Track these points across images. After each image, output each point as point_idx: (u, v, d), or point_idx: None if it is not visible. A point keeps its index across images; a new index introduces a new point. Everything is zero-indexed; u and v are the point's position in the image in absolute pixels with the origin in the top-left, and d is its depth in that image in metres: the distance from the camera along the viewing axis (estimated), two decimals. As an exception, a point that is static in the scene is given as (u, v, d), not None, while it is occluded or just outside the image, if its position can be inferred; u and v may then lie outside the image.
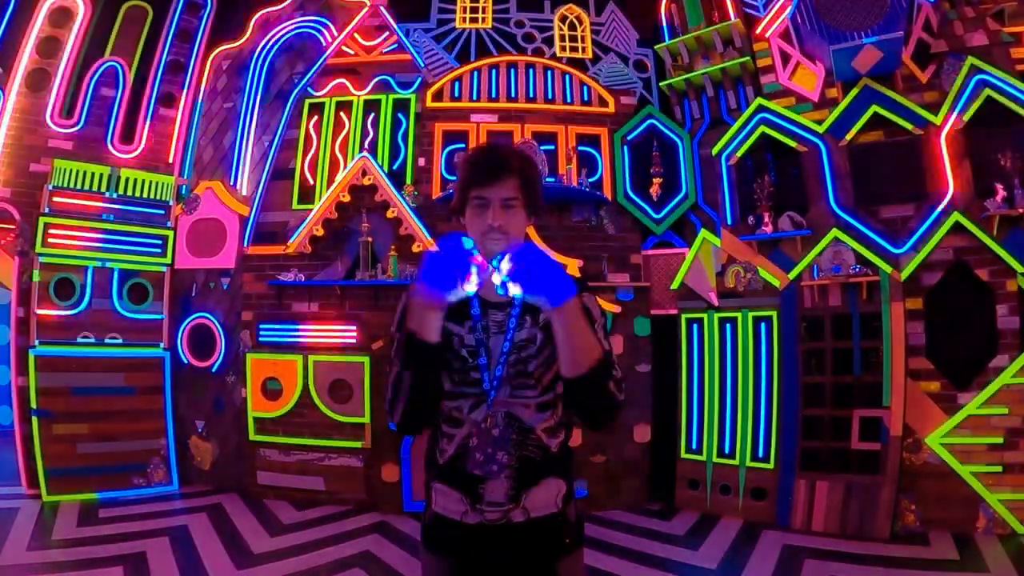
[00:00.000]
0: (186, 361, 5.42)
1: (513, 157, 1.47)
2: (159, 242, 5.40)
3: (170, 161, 5.61)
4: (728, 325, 4.74)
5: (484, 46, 6.10)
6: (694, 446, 4.79)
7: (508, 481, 1.46)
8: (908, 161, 4.35)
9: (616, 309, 4.85)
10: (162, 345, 5.35)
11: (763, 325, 4.58)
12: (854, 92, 4.49)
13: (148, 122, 5.53)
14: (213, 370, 5.36)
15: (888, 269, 4.20)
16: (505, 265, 1.23)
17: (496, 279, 1.23)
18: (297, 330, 5.04)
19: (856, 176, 4.51)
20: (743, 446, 4.54)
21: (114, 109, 5.41)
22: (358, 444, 4.82)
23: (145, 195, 5.37)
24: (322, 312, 5.02)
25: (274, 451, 4.97)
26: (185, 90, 5.71)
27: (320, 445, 4.88)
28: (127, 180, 5.30)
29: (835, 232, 4.38)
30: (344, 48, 5.60)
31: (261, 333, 5.10)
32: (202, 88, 5.83)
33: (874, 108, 4.42)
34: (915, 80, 4.45)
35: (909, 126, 4.37)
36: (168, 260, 5.43)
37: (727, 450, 4.62)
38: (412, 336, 1.34)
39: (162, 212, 5.43)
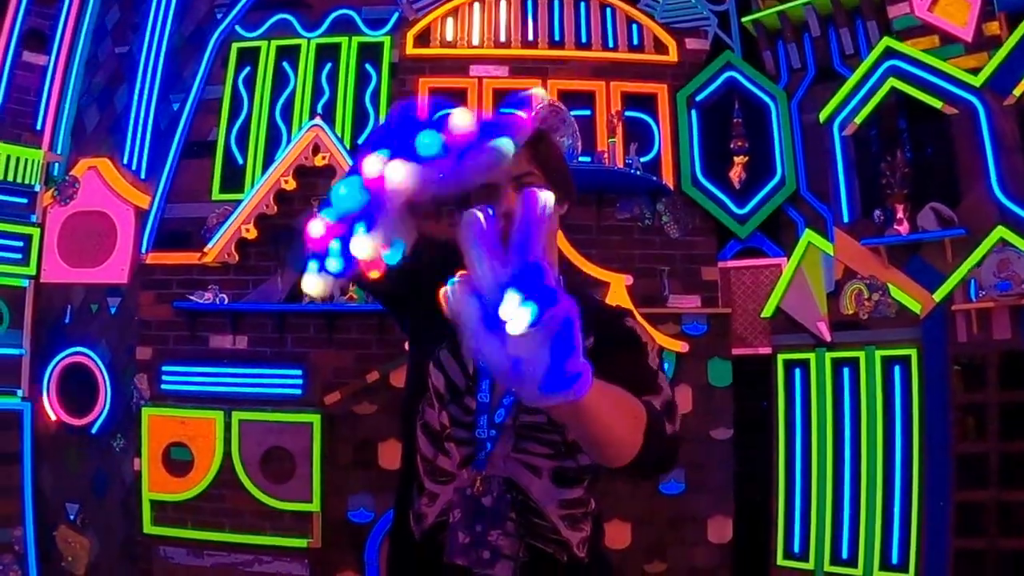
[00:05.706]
0: (55, 417, 5.02)
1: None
2: (19, 244, 5.04)
3: (37, 128, 5.23)
4: (846, 369, 4.43)
5: (488, -32, 5.76)
6: (796, 548, 4.44)
7: None
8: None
9: (681, 347, 4.50)
10: (20, 393, 4.96)
11: (897, 368, 4.29)
12: (1024, 26, 4.23)
13: (6, 72, 5.13)
14: (94, 431, 4.93)
15: (1082, 284, 3.97)
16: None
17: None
18: (216, 375, 4.79)
19: (1031, 149, 4.26)
20: (868, 547, 4.24)
21: (-45, 53, 5.04)
22: (303, 542, 4.53)
23: (0, 176, 5.01)
24: (253, 349, 4.85)
25: (180, 550, 4.67)
26: (60, 27, 5.29)
27: (248, 543, 4.58)
28: (-28, 154, 5.04)
29: (1001, 231, 4.02)
30: (289, -31, 5.36)
31: (165, 378, 4.81)
32: (85, 25, 5.45)
33: (1056, 48, 4.12)
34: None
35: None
36: (31, 270, 5.05)
37: (845, 554, 4.32)
38: None
39: (24, 201, 5.07)
